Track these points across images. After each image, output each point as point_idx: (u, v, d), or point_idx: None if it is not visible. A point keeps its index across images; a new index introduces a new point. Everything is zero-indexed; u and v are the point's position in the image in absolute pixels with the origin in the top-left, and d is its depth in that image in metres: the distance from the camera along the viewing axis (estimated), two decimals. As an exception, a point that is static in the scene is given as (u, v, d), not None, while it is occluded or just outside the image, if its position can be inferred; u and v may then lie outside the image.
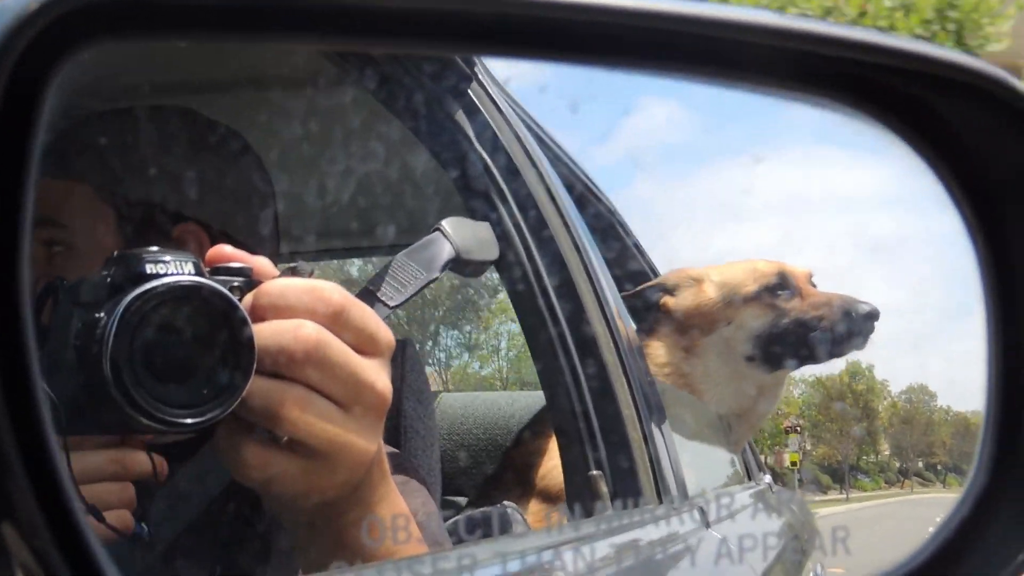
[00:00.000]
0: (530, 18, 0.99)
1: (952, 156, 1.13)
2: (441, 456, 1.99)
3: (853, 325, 2.29)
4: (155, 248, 1.18)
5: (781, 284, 2.30)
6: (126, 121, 1.66)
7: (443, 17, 0.97)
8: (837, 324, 2.29)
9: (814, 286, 2.34)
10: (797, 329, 2.31)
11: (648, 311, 2.34)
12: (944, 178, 1.14)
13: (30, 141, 0.82)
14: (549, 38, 1.00)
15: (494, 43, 1.03)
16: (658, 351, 2.32)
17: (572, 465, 1.83)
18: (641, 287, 2.37)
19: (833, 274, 2.39)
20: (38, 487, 0.78)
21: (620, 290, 2.20)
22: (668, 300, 2.30)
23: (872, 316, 2.28)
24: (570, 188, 2.06)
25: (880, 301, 2.38)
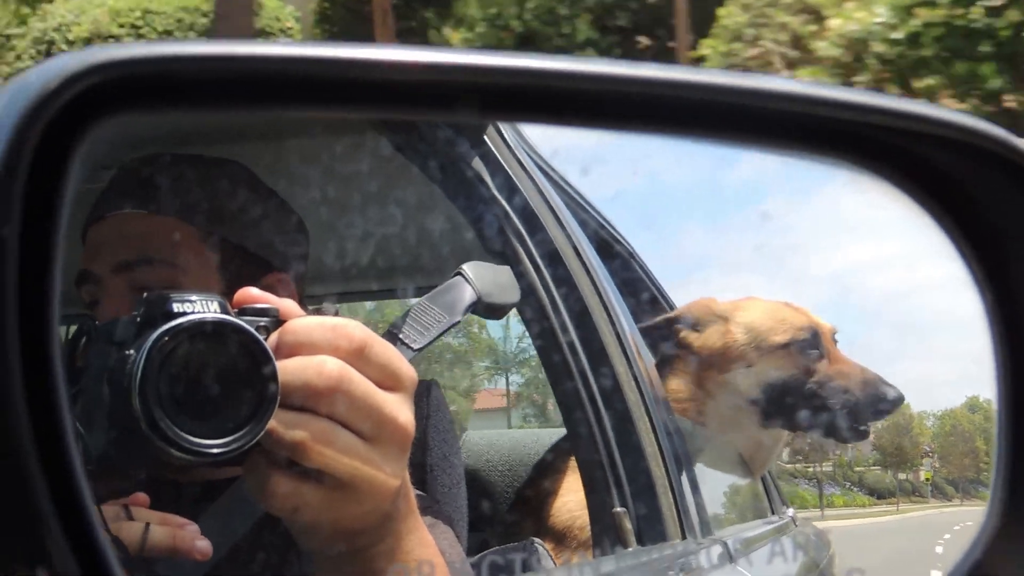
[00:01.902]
0: (544, 88, 1.03)
1: (956, 210, 1.17)
2: (467, 494, 2.02)
3: (875, 407, 2.24)
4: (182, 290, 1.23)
5: (812, 342, 2.26)
6: (212, 168, 1.73)
7: (451, 89, 1.01)
8: (859, 401, 2.25)
9: (836, 343, 2.31)
10: (817, 392, 2.27)
11: (667, 343, 2.33)
12: (950, 231, 1.17)
13: (57, 214, 0.85)
14: (564, 105, 1.04)
15: (501, 112, 1.07)
16: (677, 385, 2.31)
17: (597, 502, 1.85)
18: (661, 319, 2.36)
19: (839, 325, 2.37)
20: (71, 535, 0.81)
21: (638, 322, 2.22)
22: (690, 335, 2.29)
23: (897, 402, 2.24)
24: (587, 230, 2.09)
25: (888, 348, 2.34)
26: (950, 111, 1.17)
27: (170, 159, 1.72)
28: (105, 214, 1.67)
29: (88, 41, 19.97)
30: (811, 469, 2.78)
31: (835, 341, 2.28)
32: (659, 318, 2.38)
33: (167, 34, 20.11)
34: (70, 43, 20.21)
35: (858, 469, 2.69)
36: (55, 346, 0.85)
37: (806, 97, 1.12)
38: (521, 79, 1.03)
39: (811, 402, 2.26)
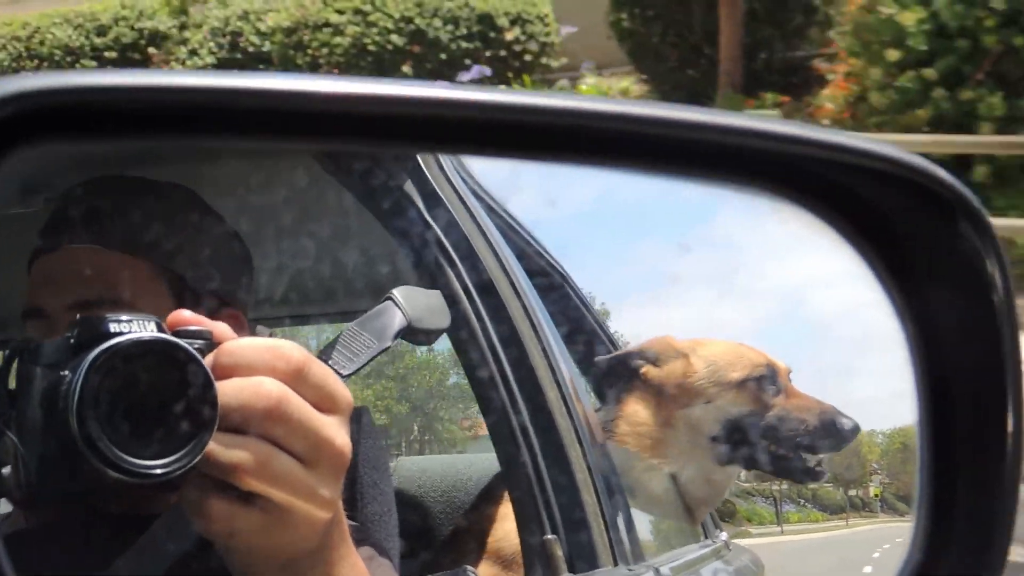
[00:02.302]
0: (484, 121, 1.03)
1: (877, 237, 1.18)
2: (399, 520, 2.01)
3: (832, 438, 2.28)
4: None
5: (769, 378, 2.30)
6: (165, 198, 1.70)
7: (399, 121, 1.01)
8: (817, 433, 2.29)
9: (790, 381, 2.35)
10: (776, 426, 2.30)
11: (624, 376, 2.35)
12: (869, 257, 1.19)
13: None
14: (480, 136, 1.03)
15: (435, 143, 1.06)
16: (637, 417, 2.33)
17: (527, 529, 1.85)
18: (622, 352, 2.38)
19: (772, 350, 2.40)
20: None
21: (575, 353, 2.22)
22: (650, 369, 2.31)
23: (854, 431, 2.28)
24: (521, 256, 2.09)
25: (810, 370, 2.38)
26: (868, 141, 1.18)
27: (121, 187, 1.69)
28: (56, 246, 1.64)
29: (291, 32, 16.74)
30: (769, 488, 2.82)
31: (790, 380, 2.31)
32: (620, 351, 2.40)
33: (407, 22, 16.35)
34: (262, 35, 17.17)
35: (812, 487, 2.72)
36: None
37: (724, 127, 1.12)
38: (427, 110, 1.03)
39: (769, 436, 2.29)
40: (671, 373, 2.30)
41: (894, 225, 1.19)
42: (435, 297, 1.74)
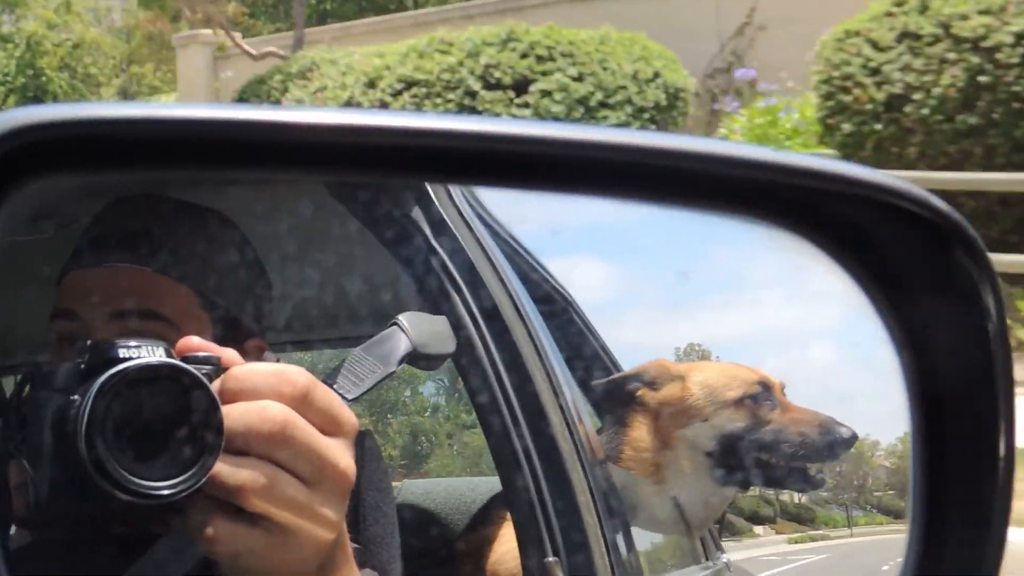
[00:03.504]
0: (492, 152, 1.05)
1: (873, 264, 1.20)
2: (401, 544, 2.02)
3: (830, 448, 2.32)
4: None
5: (765, 395, 2.33)
6: (206, 224, 1.71)
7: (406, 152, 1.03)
8: (816, 444, 2.32)
9: (785, 396, 2.37)
10: (774, 440, 2.33)
11: (622, 400, 2.38)
12: (864, 284, 1.21)
13: None
14: (476, 166, 1.06)
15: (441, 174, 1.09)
16: (641, 443, 2.36)
17: (528, 552, 1.86)
18: (619, 376, 2.41)
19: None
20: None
21: (575, 375, 2.25)
22: (647, 392, 2.34)
23: (851, 441, 2.32)
24: (526, 281, 2.11)
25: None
26: (863, 169, 1.21)
27: (162, 207, 1.70)
28: (98, 263, 1.64)
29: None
30: (840, 497, 2.89)
31: (784, 395, 2.34)
32: (616, 375, 2.42)
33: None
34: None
35: (876, 493, 2.78)
36: None
37: (720, 158, 1.15)
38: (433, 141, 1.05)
39: (768, 449, 2.31)
40: (668, 395, 2.33)
41: (890, 252, 1.21)
42: (440, 322, 1.77)
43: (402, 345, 1.65)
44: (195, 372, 1.22)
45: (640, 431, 2.33)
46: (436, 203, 1.90)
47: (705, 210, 1.25)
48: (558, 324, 2.25)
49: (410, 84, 16.14)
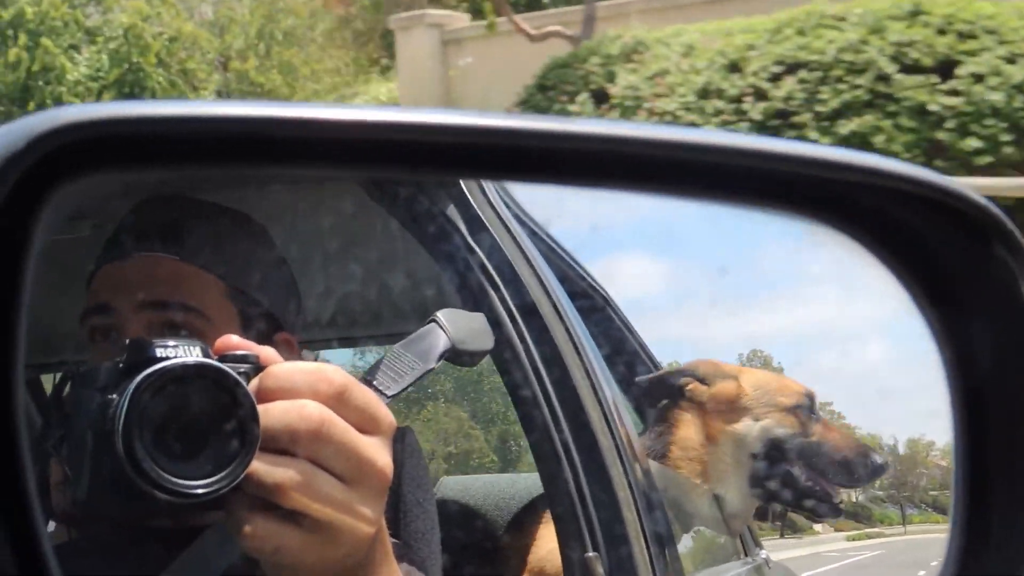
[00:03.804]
0: (540, 149, 1.05)
1: (913, 260, 1.20)
2: (442, 540, 2.03)
3: (862, 470, 2.34)
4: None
5: (811, 408, 2.36)
6: (234, 220, 1.75)
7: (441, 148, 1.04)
8: (852, 462, 2.34)
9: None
10: (815, 450, 2.35)
11: (666, 396, 2.39)
12: (905, 280, 1.21)
13: (20, 275, 0.87)
14: (517, 163, 1.06)
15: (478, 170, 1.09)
16: (689, 442, 2.37)
17: (568, 546, 1.87)
18: (668, 371, 2.42)
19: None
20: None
21: (616, 374, 2.25)
22: (699, 387, 2.35)
23: (882, 469, 2.35)
24: (563, 279, 2.12)
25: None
26: (901, 163, 1.20)
27: (193, 206, 1.73)
28: (128, 254, 1.68)
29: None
30: (896, 494, 2.93)
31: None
32: (664, 371, 2.44)
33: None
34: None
35: (932, 493, 2.80)
36: (17, 394, 0.87)
37: (764, 153, 1.15)
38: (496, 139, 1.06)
39: (806, 458, 2.33)
40: (721, 391, 2.34)
41: (929, 248, 1.21)
42: (478, 319, 1.77)
43: (441, 342, 1.65)
44: (232, 372, 1.23)
45: (688, 429, 2.34)
46: (472, 201, 1.91)
47: (742, 205, 1.25)
48: (596, 321, 2.26)
49: (793, 67, 12.64)
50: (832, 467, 2.32)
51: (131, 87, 20.79)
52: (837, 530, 2.78)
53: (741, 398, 2.34)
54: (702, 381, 2.35)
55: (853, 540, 2.87)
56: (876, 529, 2.88)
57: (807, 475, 2.33)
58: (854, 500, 2.80)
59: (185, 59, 21.90)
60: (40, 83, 20.39)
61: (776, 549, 2.68)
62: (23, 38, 20.45)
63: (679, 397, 2.35)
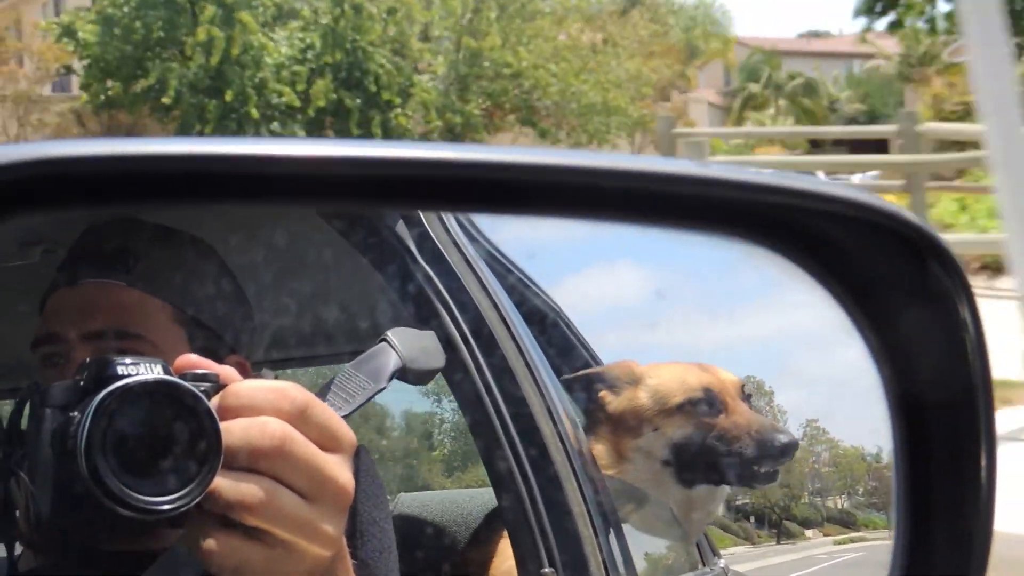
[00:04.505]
0: (482, 180, 1.06)
1: (850, 280, 1.21)
2: (401, 557, 2.03)
3: (765, 455, 2.30)
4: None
5: (707, 400, 2.32)
6: (182, 243, 1.74)
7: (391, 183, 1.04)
8: (748, 452, 2.30)
9: (748, 396, 2.35)
10: (717, 446, 2.33)
11: (590, 404, 2.37)
12: (842, 299, 1.22)
13: None
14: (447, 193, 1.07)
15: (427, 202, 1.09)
16: (600, 452, 2.35)
17: (524, 563, 1.88)
18: (583, 372, 2.39)
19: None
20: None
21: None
22: (607, 395, 2.33)
23: (787, 449, 2.30)
24: (513, 293, 2.12)
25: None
26: (838, 187, 1.22)
27: (143, 229, 1.72)
28: (76, 281, 1.67)
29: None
30: (876, 502, 2.96)
31: (745, 394, 2.32)
32: (581, 372, 2.41)
33: None
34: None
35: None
36: None
37: (699, 178, 1.16)
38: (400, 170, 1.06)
39: (714, 455, 2.30)
40: (622, 405, 2.32)
41: (866, 267, 1.23)
42: (429, 338, 1.77)
43: (391, 361, 1.66)
44: (193, 389, 1.24)
45: (600, 447, 2.32)
46: (422, 219, 1.91)
47: (678, 228, 1.26)
48: (548, 337, 2.26)
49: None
50: (740, 454, 2.30)
51: (348, 70, 18.10)
52: (825, 535, 2.81)
53: (638, 407, 2.32)
54: (612, 387, 2.33)
55: (839, 544, 2.91)
56: (859, 533, 2.92)
57: (725, 463, 2.31)
58: (839, 508, 2.83)
59: (405, 35, 18.36)
60: (236, 67, 17.31)
61: (775, 554, 2.70)
62: (210, 10, 17.58)
63: (596, 409, 2.33)
